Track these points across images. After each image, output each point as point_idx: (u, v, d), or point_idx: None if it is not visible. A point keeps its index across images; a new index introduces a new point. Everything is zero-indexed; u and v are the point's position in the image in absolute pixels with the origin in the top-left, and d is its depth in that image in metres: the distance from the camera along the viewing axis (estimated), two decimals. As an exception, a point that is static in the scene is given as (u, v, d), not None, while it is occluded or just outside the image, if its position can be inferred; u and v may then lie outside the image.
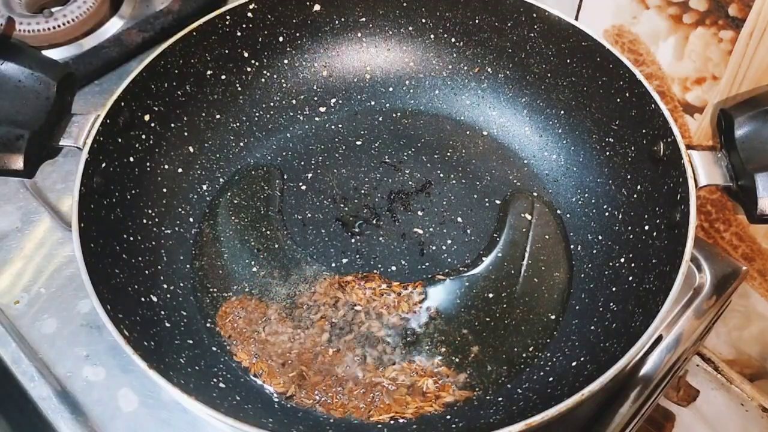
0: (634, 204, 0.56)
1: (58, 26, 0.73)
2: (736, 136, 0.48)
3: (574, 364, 0.51)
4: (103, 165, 0.53)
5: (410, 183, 0.64)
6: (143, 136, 0.58)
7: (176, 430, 0.52)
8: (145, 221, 0.57)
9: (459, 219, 0.61)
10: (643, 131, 0.55)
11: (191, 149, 0.62)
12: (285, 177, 0.64)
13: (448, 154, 0.65)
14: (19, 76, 0.50)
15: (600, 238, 0.58)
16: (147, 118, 0.58)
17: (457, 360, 0.53)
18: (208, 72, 0.63)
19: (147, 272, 0.54)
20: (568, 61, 0.61)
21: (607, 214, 0.59)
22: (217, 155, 0.64)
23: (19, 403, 0.53)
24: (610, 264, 0.56)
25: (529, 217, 0.61)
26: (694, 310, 0.59)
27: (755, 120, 0.48)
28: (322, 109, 0.68)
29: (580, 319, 0.55)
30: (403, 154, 0.65)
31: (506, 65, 0.66)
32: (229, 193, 0.62)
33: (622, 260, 0.55)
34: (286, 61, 0.67)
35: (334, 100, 0.69)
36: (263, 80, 0.67)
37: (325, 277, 0.57)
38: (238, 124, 0.65)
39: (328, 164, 0.65)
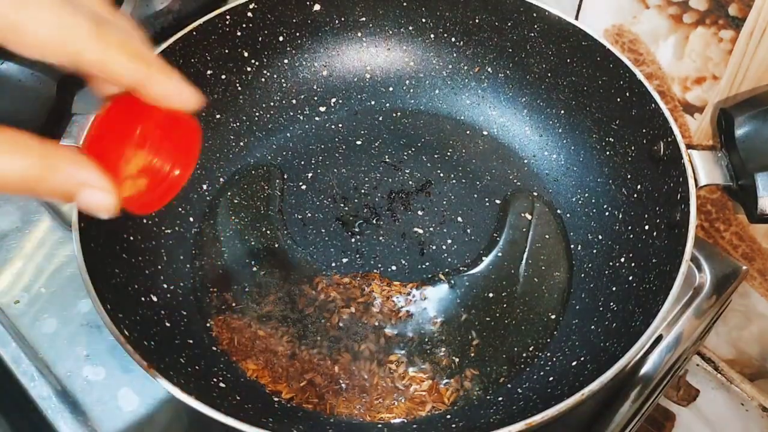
0: (634, 203, 0.56)
1: (58, 26, 0.72)
2: (737, 135, 0.48)
3: (574, 363, 0.51)
4: (103, 165, 0.53)
5: (410, 183, 0.64)
6: (143, 136, 0.57)
7: (176, 430, 0.52)
8: (145, 221, 0.57)
9: (459, 219, 0.61)
10: (643, 131, 0.55)
11: (191, 149, 0.62)
12: (285, 177, 0.64)
13: (448, 153, 0.65)
14: (20, 75, 0.50)
15: (600, 237, 0.58)
16: (147, 117, 0.58)
17: (456, 360, 0.53)
18: (208, 72, 0.63)
19: (147, 272, 0.54)
20: (568, 60, 0.61)
21: (607, 213, 0.59)
22: (217, 155, 0.64)
23: (19, 403, 0.53)
24: (610, 264, 0.56)
25: (529, 216, 0.61)
26: (694, 309, 0.59)
27: (755, 119, 0.48)
28: (322, 109, 0.68)
29: (580, 318, 0.55)
30: (403, 153, 0.65)
31: (506, 65, 0.66)
32: (229, 193, 0.62)
33: (622, 260, 0.55)
34: (286, 61, 0.67)
35: (334, 100, 0.69)
36: (263, 80, 0.67)
37: (324, 276, 0.57)
38: (238, 123, 0.65)
39: (328, 164, 0.65)
